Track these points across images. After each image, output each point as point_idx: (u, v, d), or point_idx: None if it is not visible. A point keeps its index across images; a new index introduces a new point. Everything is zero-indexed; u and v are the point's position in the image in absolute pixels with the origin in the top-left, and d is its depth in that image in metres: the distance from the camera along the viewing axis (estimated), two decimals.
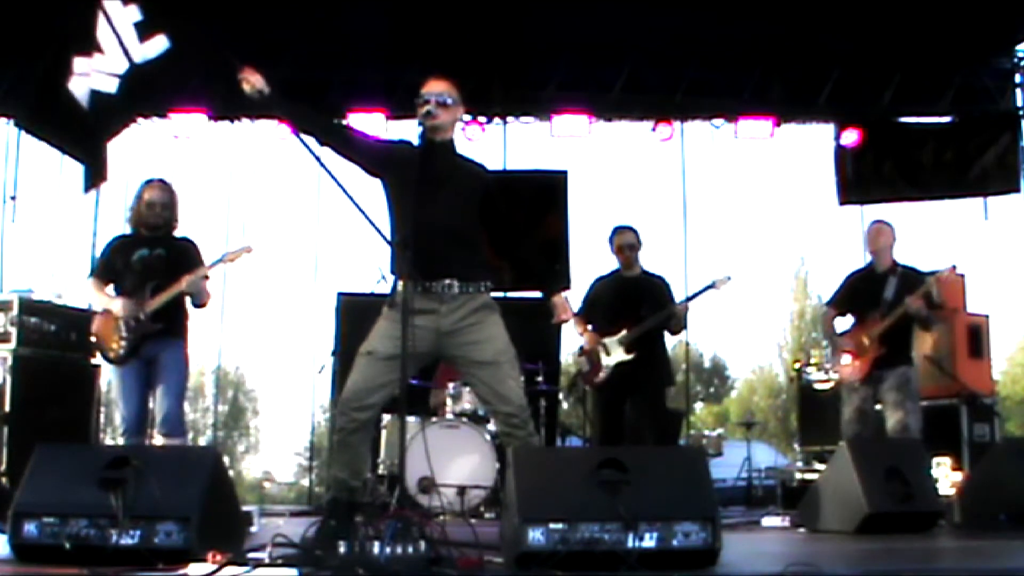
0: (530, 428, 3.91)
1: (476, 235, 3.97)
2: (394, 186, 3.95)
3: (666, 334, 6.29)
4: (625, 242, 6.27)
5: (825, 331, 6.50)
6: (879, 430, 5.96)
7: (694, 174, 14.86)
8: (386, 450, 6.85)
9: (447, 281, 3.84)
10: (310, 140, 3.87)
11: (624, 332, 6.09)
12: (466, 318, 3.86)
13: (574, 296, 7.05)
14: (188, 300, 5.15)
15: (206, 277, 5.11)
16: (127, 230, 5.32)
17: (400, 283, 3.73)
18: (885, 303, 5.93)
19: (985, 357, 7.96)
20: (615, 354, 6.11)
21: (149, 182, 5.22)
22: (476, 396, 5.79)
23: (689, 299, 6.16)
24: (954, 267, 6.00)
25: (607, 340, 6.15)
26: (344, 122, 4.16)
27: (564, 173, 9.56)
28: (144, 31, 4.22)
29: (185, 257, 5.15)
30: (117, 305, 5.04)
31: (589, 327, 6.28)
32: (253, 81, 3.77)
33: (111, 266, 5.20)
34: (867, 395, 5.94)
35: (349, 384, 3.84)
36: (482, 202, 4.00)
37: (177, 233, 5.29)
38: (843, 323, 6.29)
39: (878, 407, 5.99)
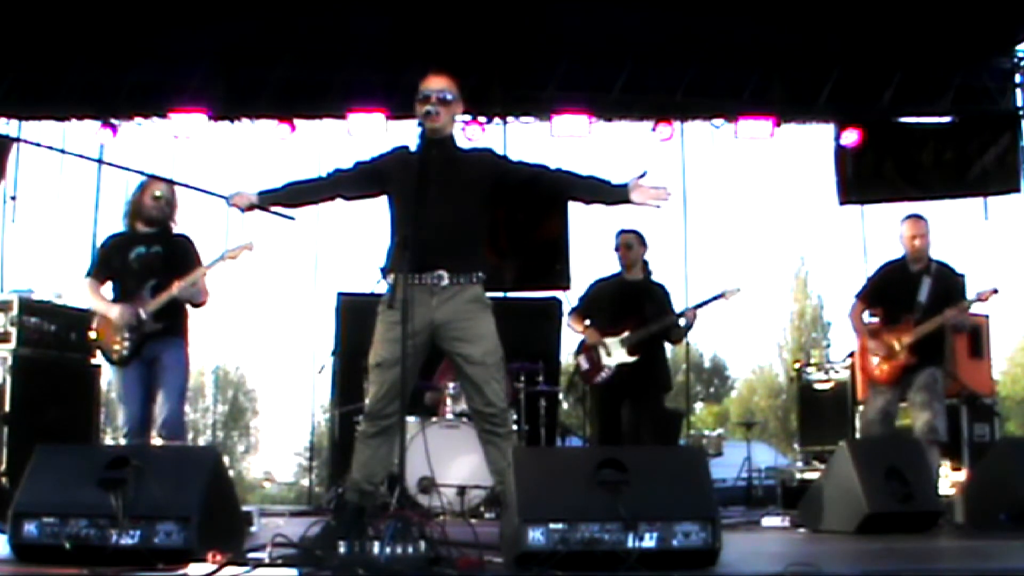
0: (509, 427, 4.01)
1: (472, 227, 3.97)
2: (394, 191, 3.98)
3: (666, 343, 6.31)
4: (625, 242, 6.28)
5: (853, 324, 6.18)
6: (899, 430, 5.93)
7: (694, 174, 14.88)
8: None
9: (438, 273, 3.84)
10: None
11: (627, 333, 6.10)
12: (458, 311, 3.88)
13: (573, 294, 7.11)
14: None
15: (204, 275, 5.08)
16: (122, 227, 5.27)
17: (393, 280, 3.75)
18: (919, 307, 5.76)
19: (985, 357, 7.94)
20: (616, 355, 6.11)
21: (152, 177, 5.21)
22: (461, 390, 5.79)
23: (698, 306, 6.15)
24: (995, 290, 5.85)
25: (608, 340, 6.15)
26: (331, 171, 4.18)
27: None
28: None
29: (183, 255, 5.12)
30: (114, 311, 5.00)
31: (587, 322, 6.29)
32: (243, 203, 4.05)
33: (108, 264, 5.17)
34: (893, 397, 5.86)
35: (370, 397, 3.93)
36: (493, 187, 4.01)
37: (174, 231, 5.25)
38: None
39: (902, 405, 5.93)
